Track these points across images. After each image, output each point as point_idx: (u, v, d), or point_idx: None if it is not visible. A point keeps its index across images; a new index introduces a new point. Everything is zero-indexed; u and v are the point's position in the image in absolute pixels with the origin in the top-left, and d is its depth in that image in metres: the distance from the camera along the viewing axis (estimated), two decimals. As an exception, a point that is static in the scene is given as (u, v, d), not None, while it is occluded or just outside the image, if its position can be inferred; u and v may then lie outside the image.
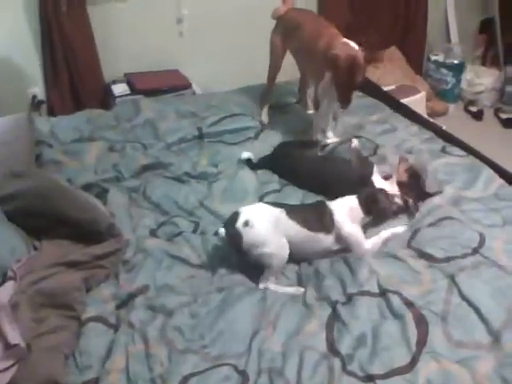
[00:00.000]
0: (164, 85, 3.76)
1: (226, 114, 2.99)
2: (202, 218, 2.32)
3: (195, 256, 2.11)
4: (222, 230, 2.00)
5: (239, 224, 1.97)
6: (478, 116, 4.55)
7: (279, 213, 2.04)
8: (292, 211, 2.06)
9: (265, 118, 3.04)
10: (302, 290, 1.95)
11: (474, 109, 4.59)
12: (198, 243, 2.16)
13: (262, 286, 1.97)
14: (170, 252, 2.10)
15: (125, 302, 1.89)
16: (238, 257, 2.04)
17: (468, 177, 2.45)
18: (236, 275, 2.02)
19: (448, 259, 1.99)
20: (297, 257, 2.07)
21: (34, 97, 3.67)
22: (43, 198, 2.07)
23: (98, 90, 3.78)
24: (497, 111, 4.57)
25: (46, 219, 2.07)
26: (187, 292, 1.92)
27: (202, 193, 2.45)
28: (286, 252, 2.00)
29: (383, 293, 1.86)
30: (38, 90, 3.67)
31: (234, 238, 1.98)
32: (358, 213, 2.14)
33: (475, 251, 2.01)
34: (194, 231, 2.25)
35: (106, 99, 3.75)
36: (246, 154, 2.64)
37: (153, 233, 2.23)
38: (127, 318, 1.82)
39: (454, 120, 4.43)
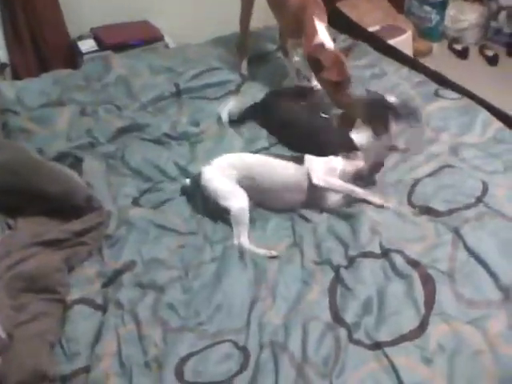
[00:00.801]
0: (134, 38, 3.53)
1: (204, 67, 2.81)
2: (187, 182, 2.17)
3: (184, 223, 1.98)
4: (188, 181, 2.07)
5: (201, 179, 2.01)
6: (462, 54, 4.37)
7: (242, 155, 2.10)
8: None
9: (244, 70, 2.85)
10: (274, 253, 1.84)
11: (458, 47, 4.41)
12: (186, 209, 2.03)
13: (236, 241, 1.88)
14: (156, 221, 1.96)
15: (111, 280, 1.77)
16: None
17: (464, 121, 2.33)
18: (228, 241, 1.89)
19: (451, 212, 1.88)
20: (270, 200, 2.01)
21: (-4, 59, 3.42)
22: (14, 172, 1.89)
23: (64, 47, 3.54)
24: (482, 48, 4.40)
25: (19, 195, 1.90)
26: (178, 265, 1.80)
27: (184, 156, 2.30)
28: (244, 203, 1.93)
29: (386, 253, 1.76)
30: (1, 52, 3.42)
31: (193, 191, 2.04)
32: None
33: (478, 200, 1.91)
34: (182, 195, 2.11)
35: (72, 57, 3.52)
36: (224, 112, 2.48)
37: (136, 202, 2.09)
38: (115, 298, 1.69)
39: (439, 59, 4.25)
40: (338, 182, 2.01)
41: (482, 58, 4.34)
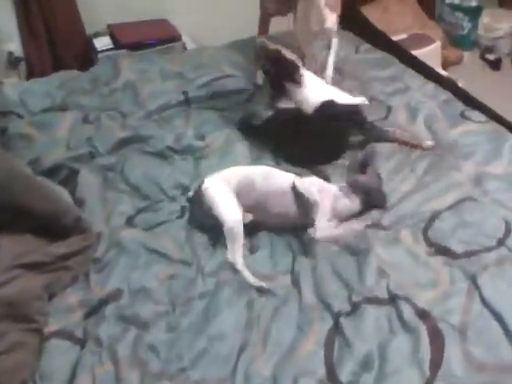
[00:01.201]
0: (151, 37, 3.43)
1: (216, 74, 2.66)
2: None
3: (177, 249, 1.84)
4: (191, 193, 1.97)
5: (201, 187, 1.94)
6: (495, 65, 4.15)
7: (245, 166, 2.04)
8: None
9: (260, 79, 2.70)
10: (265, 286, 1.71)
11: (491, 57, 4.19)
12: (182, 234, 1.89)
13: (229, 257, 1.78)
14: (148, 245, 1.83)
15: (94, 311, 1.65)
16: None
17: (490, 148, 2.13)
18: (224, 272, 1.75)
19: (469, 254, 1.71)
20: (269, 206, 1.89)
21: (11, 53, 3.35)
22: (3, 188, 1.78)
23: (79, 43, 3.48)
24: (516, 59, 4.18)
25: (5, 212, 1.79)
26: (165, 299, 1.66)
27: (187, 173, 2.16)
28: (237, 215, 1.84)
29: (393, 299, 1.60)
30: (15, 46, 3.34)
31: (195, 202, 1.96)
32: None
33: (500, 243, 1.73)
34: (180, 217, 1.98)
35: (88, 54, 3.43)
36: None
37: (130, 221, 1.96)
38: (95, 332, 1.57)
39: (470, 69, 4.06)
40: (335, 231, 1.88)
41: (517, 69, 4.12)
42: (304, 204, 1.88)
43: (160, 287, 1.70)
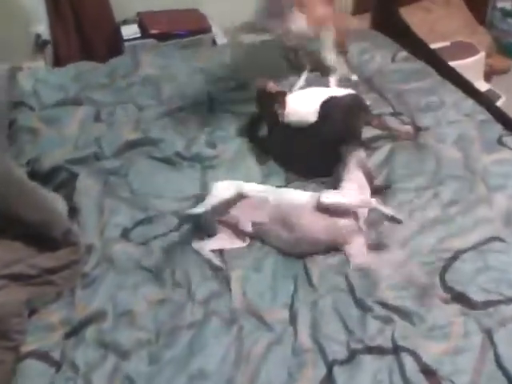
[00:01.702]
0: (179, 28, 3.30)
1: (239, 80, 2.52)
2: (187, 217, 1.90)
3: (169, 270, 1.72)
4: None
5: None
6: (545, 76, 3.87)
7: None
8: None
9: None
10: (219, 265, 1.70)
11: (540, 67, 3.90)
12: (176, 253, 1.77)
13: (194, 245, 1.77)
14: (141, 262, 1.73)
15: (75, 331, 1.55)
16: None
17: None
18: (215, 300, 1.62)
19: (487, 304, 1.54)
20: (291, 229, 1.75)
21: (38, 36, 3.28)
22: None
23: (107, 30, 3.36)
24: None
25: None
26: (150, 326, 1.55)
27: (193, 182, 2.03)
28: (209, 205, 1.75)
29: (396, 350, 1.45)
30: (43, 28, 3.27)
31: None
32: None
33: (523, 295, 1.55)
34: (176, 230, 1.86)
35: (116, 42, 3.33)
36: None
37: (125, 234, 1.84)
38: (72, 356, 1.47)
39: (516, 80, 3.79)
40: (346, 199, 1.78)
41: None
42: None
43: (147, 312, 1.59)
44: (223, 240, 1.80)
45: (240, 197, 1.82)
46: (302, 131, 2.09)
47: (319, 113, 2.06)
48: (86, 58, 3.04)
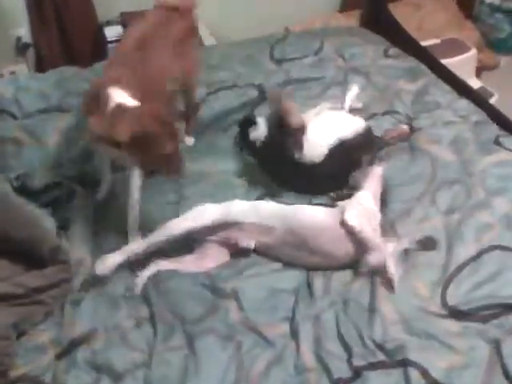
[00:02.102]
0: (164, 29, 3.22)
1: (221, 83, 2.44)
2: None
3: (160, 286, 1.65)
4: None
5: None
6: (534, 72, 3.86)
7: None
8: None
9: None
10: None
11: (530, 63, 3.89)
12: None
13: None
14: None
15: (66, 352, 1.48)
16: None
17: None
18: (211, 317, 1.55)
19: (491, 316, 1.50)
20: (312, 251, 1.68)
21: (19, 39, 3.19)
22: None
23: (90, 31, 3.28)
24: (557, 67, 3.87)
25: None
26: (143, 345, 1.48)
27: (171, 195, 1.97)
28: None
29: (402, 364, 1.40)
30: (23, 31, 3.18)
31: None
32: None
33: (529, 303, 1.52)
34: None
35: (99, 43, 3.25)
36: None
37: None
38: (64, 379, 1.41)
39: (506, 75, 3.74)
40: (369, 232, 1.66)
41: (556, 78, 3.82)
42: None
43: (139, 330, 1.53)
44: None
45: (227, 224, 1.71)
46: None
47: (326, 157, 1.94)
48: (68, 61, 2.97)
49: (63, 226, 1.80)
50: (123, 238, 1.78)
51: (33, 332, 1.53)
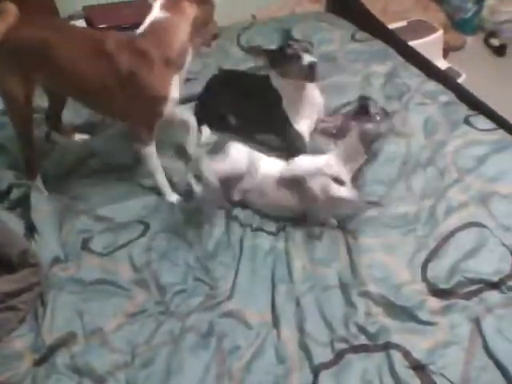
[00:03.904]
0: (129, 21, 3.14)
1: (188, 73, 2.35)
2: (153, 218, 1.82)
3: (138, 279, 1.63)
4: None
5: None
6: (499, 51, 3.88)
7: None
8: None
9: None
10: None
11: (495, 42, 3.92)
12: (143, 260, 1.67)
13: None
14: (105, 276, 1.63)
15: (45, 357, 1.44)
16: None
17: (498, 162, 1.90)
18: (194, 314, 1.53)
19: (472, 293, 1.51)
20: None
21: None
22: None
23: (53, 26, 3.18)
24: (522, 45, 3.91)
25: None
26: (124, 346, 1.45)
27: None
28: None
29: (384, 347, 1.41)
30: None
31: None
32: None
33: (507, 279, 1.53)
34: (142, 235, 1.75)
35: (62, 39, 3.17)
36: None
37: (85, 245, 1.73)
38: (43, 386, 1.37)
39: (472, 56, 3.78)
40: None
41: (522, 55, 3.87)
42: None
43: (119, 330, 1.49)
44: None
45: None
46: None
47: None
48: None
49: (31, 228, 1.74)
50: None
51: (7, 339, 1.48)
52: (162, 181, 1.89)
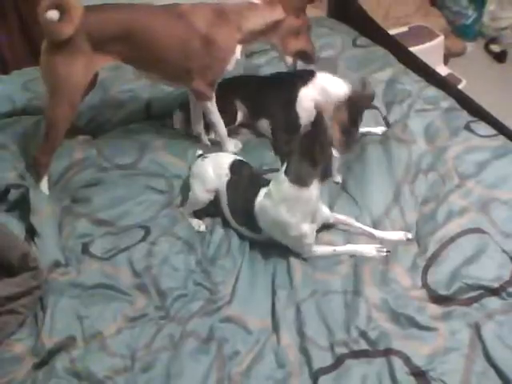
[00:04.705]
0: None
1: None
2: (154, 222, 1.82)
3: (138, 284, 1.63)
4: None
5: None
6: (500, 57, 3.89)
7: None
8: None
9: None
10: (203, 228, 1.83)
11: (496, 48, 3.92)
12: (143, 264, 1.67)
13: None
14: (105, 280, 1.63)
15: (45, 361, 1.44)
16: None
17: (499, 168, 1.89)
18: (194, 319, 1.53)
19: (472, 300, 1.51)
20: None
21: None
22: None
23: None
24: (523, 51, 3.92)
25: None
26: (124, 350, 1.45)
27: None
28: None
29: (384, 352, 1.41)
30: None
31: None
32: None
33: (507, 285, 1.53)
34: (142, 240, 1.75)
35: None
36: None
37: (86, 249, 1.73)
38: (43, 390, 1.37)
39: (473, 62, 3.80)
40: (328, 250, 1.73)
41: (523, 62, 3.87)
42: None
43: (118, 334, 1.50)
44: None
45: None
46: None
47: None
48: (33, 60, 2.88)
49: (30, 231, 1.74)
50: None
51: (7, 342, 1.48)
52: (222, 132, 2.09)
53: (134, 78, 2.35)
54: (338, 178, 1.99)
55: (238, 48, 1.99)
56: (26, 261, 1.56)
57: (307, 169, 1.57)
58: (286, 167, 1.61)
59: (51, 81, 1.85)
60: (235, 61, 2.00)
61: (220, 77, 2.02)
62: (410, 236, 1.74)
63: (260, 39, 2.05)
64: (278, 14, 1.98)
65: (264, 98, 2.17)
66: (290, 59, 2.14)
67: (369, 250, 1.68)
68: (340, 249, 1.71)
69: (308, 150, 1.56)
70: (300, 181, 1.58)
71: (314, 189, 1.60)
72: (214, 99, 2.03)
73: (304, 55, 2.12)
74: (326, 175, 1.74)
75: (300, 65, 2.23)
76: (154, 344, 1.47)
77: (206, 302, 1.59)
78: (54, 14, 1.70)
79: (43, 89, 2.27)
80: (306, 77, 2.14)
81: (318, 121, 1.56)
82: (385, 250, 1.68)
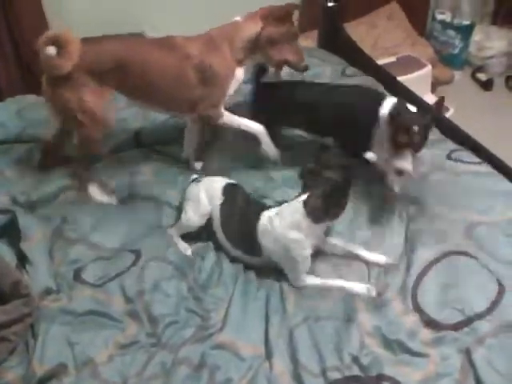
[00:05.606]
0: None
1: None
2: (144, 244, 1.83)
3: (130, 310, 1.62)
4: None
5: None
6: (486, 85, 3.99)
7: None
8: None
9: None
10: (189, 252, 1.84)
11: (482, 77, 4.02)
12: (135, 289, 1.66)
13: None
14: (97, 307, 1.62)
15: (37, 389, 1.43)
16: None
17: (483, 194, 1.94)
18: (186, 346, 1.53)
19: (461, 324, 1.52)
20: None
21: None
22: None
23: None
24: (508, 79, 4.00)
25: None
26: (115, 377, 1.44)
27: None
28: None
29: (377, 378, 1.41)
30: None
31: None
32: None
33: (492, 308, 1.55)
34: (133, 265, 1.74)
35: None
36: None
37: (78, 275, 1.73)
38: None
39: (460, 89, 3.89)
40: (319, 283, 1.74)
41: (508, 90, 3.95)
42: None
43: (110, 361, 1.48)
44: None
45: None
46: None
47: None
48: (28, 87, 2.90)
49: (21, 257, 1.74)
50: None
51: (-1, 370, 1.47)
52: (247, 123, 2.05)
53: (125, 106, 2.37)
54: None
55: (239, 70, 2.00)
56: (17, 288, 1.55)
57: (325, 212, 1.64)
58: (307, 199, 1.65)
59: (66, 111, 1.90)
60: (238, 83, 2.02)
61: (224, 100, 2.01)
62: (391, 261, 1.76)
63: (257, 54, 2.02)
64: (257, 26, 1.97)
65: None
66: (272, 69, 2.16)
67: (359, 289, 1.68)
68: (330, 282, 1.72)
69: (336, 199, 1.64)
70: (315, 218, 1.64)
71: (324, 225, 1.71)
72: (223, 108, 2.02)
73: (289, 65, 2.11)
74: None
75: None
76: (145, 372, 1.46)
77: (198, 329, 1.58)
78: (51, 50, 1.74)
79: (37, 116, 2.32)
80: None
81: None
82: (375, 291, 1.67)
